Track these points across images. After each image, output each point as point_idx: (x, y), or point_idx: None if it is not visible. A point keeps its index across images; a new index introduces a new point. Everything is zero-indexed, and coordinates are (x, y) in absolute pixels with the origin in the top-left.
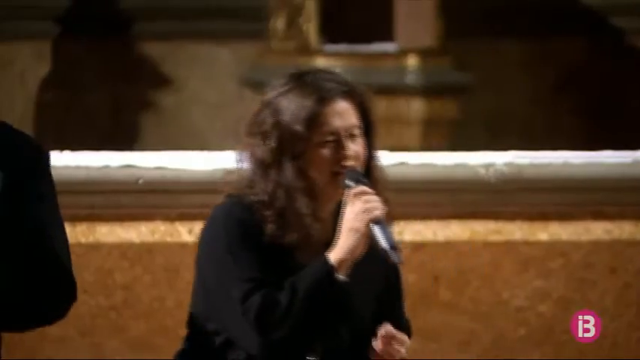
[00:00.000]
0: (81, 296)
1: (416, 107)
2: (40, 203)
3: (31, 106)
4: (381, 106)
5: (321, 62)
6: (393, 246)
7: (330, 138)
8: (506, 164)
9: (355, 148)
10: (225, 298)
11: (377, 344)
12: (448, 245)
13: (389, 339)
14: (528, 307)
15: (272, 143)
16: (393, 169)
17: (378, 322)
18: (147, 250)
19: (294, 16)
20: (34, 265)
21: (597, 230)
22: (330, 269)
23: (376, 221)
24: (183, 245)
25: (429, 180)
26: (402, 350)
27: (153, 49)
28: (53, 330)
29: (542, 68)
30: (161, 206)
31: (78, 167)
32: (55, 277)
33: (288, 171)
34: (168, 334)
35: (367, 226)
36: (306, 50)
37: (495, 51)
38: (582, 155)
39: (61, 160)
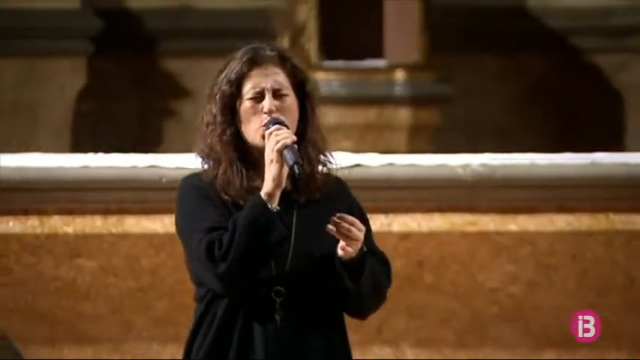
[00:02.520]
0: (112, 279)
1: (403, 115)
2: None
3: (69, 114)
4: (372, 114)
5: (320, 76)
6: (295, 161)
7: (254, 94)
8: (482, 165)
9: (278, 104)
10: (190, 254)
11: (330, 228)
12: (431, 235)
13: (339, 221)
14: (500, 289)
15: (213, 105)
16: (383, 168)
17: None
18: (169, 239)
19: (296, 36)
20: None
21: (560, 222)
22: (261, 200)
23: (284, 147)
24: None
25: (415, 178)
26: (353, 229)
27: (174, 65)
28: (88, 309)
29: (514, 81)
30: None
31: (109, 167)
32: None
33: (216, 123)
34: (188, 311)
35: (279, 154)
36: (307, 66)
37: (473, 65)
38: (547, 157)
39: (95, 161)
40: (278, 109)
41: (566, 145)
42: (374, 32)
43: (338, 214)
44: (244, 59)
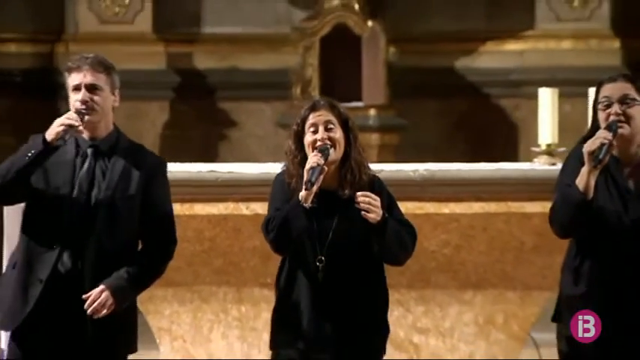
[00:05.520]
0: (185, 244)
1: (374, 138)
2: (160, 195)
3: (158, 139)
4: None
5: None
6: (307, 180)
7: (312, 128)
8: (426, 170)
9: (329, 134)
10: None
11: (356, 202)
12: None
13: (361, 196)
14: (438, 251)
15: (290, 141)
16: None
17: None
18: (223, 218)
19: (305, 86)
20: (153, 233)
21: (476, 207)
22: (297, 200)
23: (311, 168)
24: (243, 215)
25: (382, 179)
26: (367, 199)
27: (226, 106)
28: (171, 263)
29: (446, 116)
30: (231, 193)
31: (184, 171)
32: (168, 235)
33: (291, 151)
34: (236, 266)
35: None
36: None
37: (419, 106)
38: (468, 165)
39: (174, 167)
40: (328, 139)
41: (480, 158)
42: (356, 84)
43: (358, 192)
44: (307, 107)
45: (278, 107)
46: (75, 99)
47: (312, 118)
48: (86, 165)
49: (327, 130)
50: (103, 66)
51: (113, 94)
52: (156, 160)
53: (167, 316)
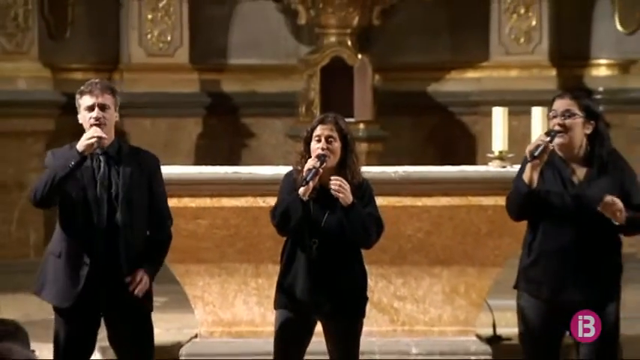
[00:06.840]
0: (215, 230)
1: (363, 147)
2: (158, 184)
3: (193, 147)
4: None
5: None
6: (303, 179)
7: (317, 138)
8: (403, 171)
9: (328, 145)
10: None
11: (331, 186)
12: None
13: (333, 180)
14: (413, 235)
15: (302, 145)
16: None
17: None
18: (244, 210)
19: (309, 106)
20: (155, 213)
21: (443, 201)
22: (297, 194)
23: (308, 170)
24: (260, 207)
25: (369, 179)
26: (343, 185)
27: (247, 121)
28: (203, 245)
29: (420, 129)
30: (250, 190)
31: (214, 172)
32: (163, 219)
33: (300, 153)
34: (255, 247)
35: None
36: (310, 120)
37: (398, 122)
38: (437, 168)
39: (206, 169)
40: (328, 148)
41: (447, 162)
42: (349, 104)
43: (332, 177)
44: (318, 119)
45: (287, 122)
46: (89, 116)
47: (318, 130)
48: (102, 168)
49: (327, 142)
50: (110, 89)
51: (116, 111)
52: (153, 158)
53: (200, 287)
